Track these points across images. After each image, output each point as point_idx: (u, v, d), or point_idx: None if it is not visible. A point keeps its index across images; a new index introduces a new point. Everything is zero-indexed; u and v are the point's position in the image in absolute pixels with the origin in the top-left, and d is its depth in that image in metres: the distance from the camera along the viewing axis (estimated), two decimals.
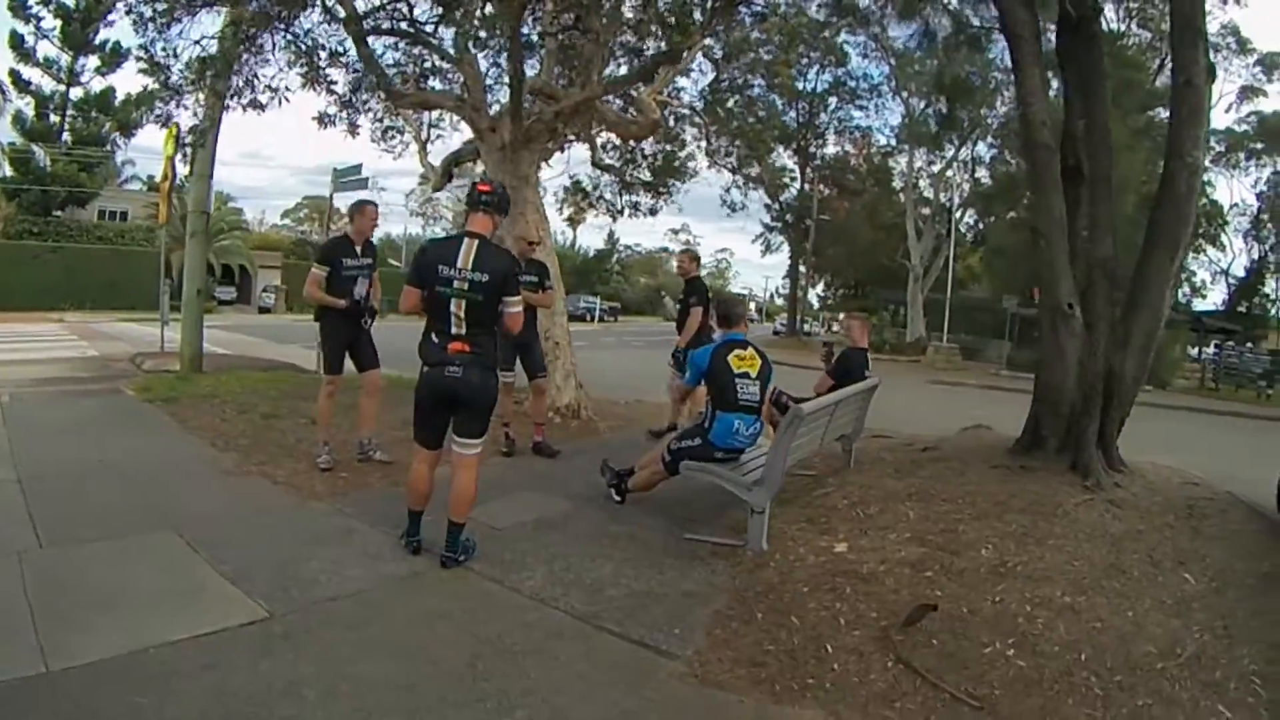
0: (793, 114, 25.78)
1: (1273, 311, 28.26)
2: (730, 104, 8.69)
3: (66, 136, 24.71)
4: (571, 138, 7.51)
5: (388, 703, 2.11)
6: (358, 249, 4.41)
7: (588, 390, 6.78)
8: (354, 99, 7.58)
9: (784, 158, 26.88)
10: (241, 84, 6.73)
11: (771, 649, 2.61)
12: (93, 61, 24.49)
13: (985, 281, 26.50)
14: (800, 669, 2.49)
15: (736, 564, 3.40)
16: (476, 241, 2.98)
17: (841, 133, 27.17)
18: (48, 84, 24.18)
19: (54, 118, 24.57)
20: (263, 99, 6.77)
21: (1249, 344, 23.97)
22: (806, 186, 28.45)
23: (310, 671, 2.22)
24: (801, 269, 31.07)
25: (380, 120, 8.45)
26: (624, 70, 7.12)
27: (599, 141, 8.74)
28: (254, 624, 2.47)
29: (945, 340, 21.93)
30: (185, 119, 7.06)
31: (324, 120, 7.63)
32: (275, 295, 24.87)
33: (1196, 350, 22.88)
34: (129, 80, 39.86)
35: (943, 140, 22.83)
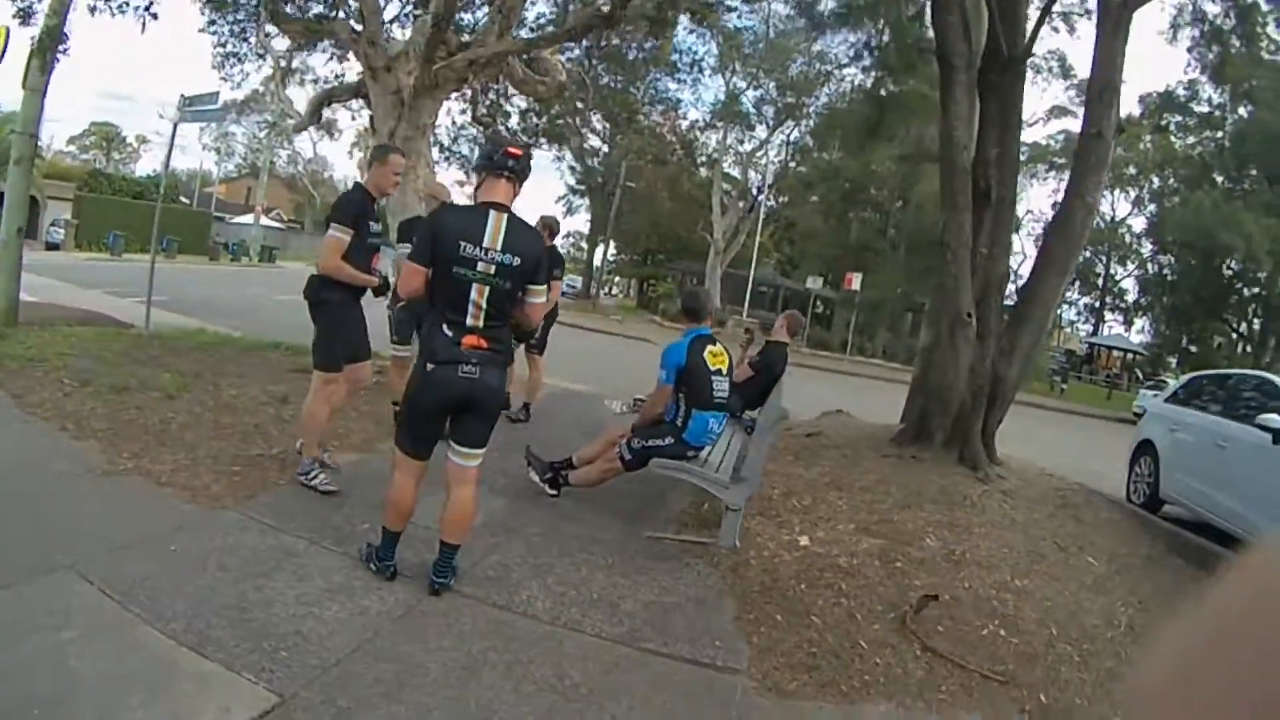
0: (608, 80, 26.07)
1: (1059, 311, 36.35)
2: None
3: None
4: (468, 90, 6.82)
5: None
6: (373, 205, 3.70)
7: None
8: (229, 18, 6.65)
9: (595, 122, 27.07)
10: None
11: (815, 651, 2.80)
12: None
13: (774, 260, 29.64)
14: (850, 668, 2.73)
15: (716, 563, 3.56)
16: (505, 216, 2.60)
17: (654, 103, 28.16)
18: None
19: None
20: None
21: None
22: (615, 152, 29.08)
23: None
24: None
25: (224, 45, 7.47)
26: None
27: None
28: (269, 716, 1.90)
29: (746, 315, 23.51)
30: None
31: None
32: (65, 230, 22.31)
33: None
34: None
35: (754, 121, 24.90)
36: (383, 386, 5.67)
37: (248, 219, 36.10)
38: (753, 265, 25.26)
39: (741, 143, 26.54)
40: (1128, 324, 34.50)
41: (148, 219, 26.12)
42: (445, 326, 2.56)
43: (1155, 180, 27.64)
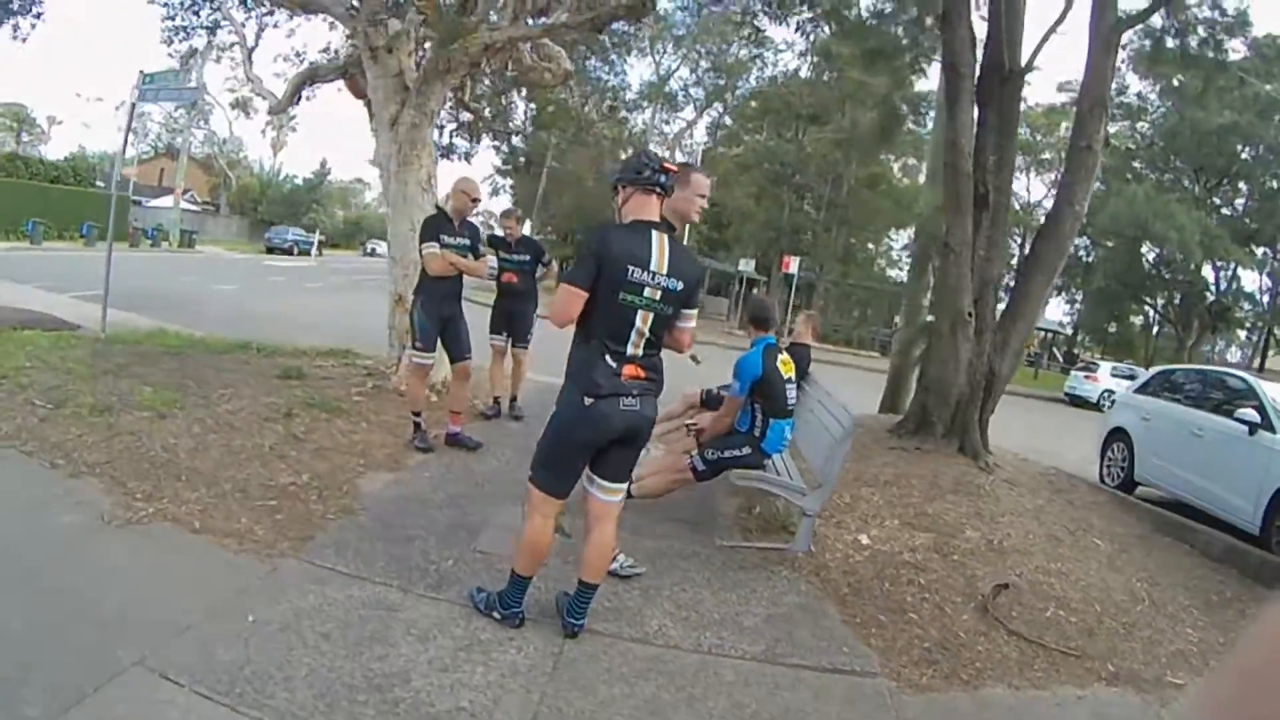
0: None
1: None
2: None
3: None
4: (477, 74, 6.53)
5: None
6: (455, 224, 4.62)
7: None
8: None
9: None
10: None
11: (927, 646, 3.16)
12: None
13: (693, 241, 30.45)
14: (959, 658, 3.10)
15: (797, 568, 3.83)
16: (665, 237, 2.59)
17: (581, 83, 27.93)
18: None
19: None
20: None
21: None
22: (542, 133, 28.62)
23: None
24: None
25: (172, 18, 7.20)
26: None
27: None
28: None
29: None
30: None
31: None
32: None
33: None
34: None
35: (681, 103, 25.31)
36: (392, 395, 5.44)
37: (165, 202, 35.00)
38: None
39: (667, 123, 26.88)
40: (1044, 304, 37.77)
41: (65, 205, 22.64)
42: (608, 356, 2.51)
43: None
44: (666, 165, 2.66)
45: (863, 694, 2.75)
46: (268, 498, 3.49)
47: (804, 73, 23.80)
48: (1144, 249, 23.83)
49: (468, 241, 4.68)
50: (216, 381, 5.15)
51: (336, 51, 7.96)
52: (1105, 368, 18.26)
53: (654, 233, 2.56)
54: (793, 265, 23.27)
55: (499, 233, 5.73)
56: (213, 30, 7.73)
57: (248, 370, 5.71)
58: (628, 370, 2.54)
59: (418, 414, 4.72)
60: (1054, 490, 5.45)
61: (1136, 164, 25.63)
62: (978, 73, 5.55)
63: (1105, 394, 17.02)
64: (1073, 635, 3.37)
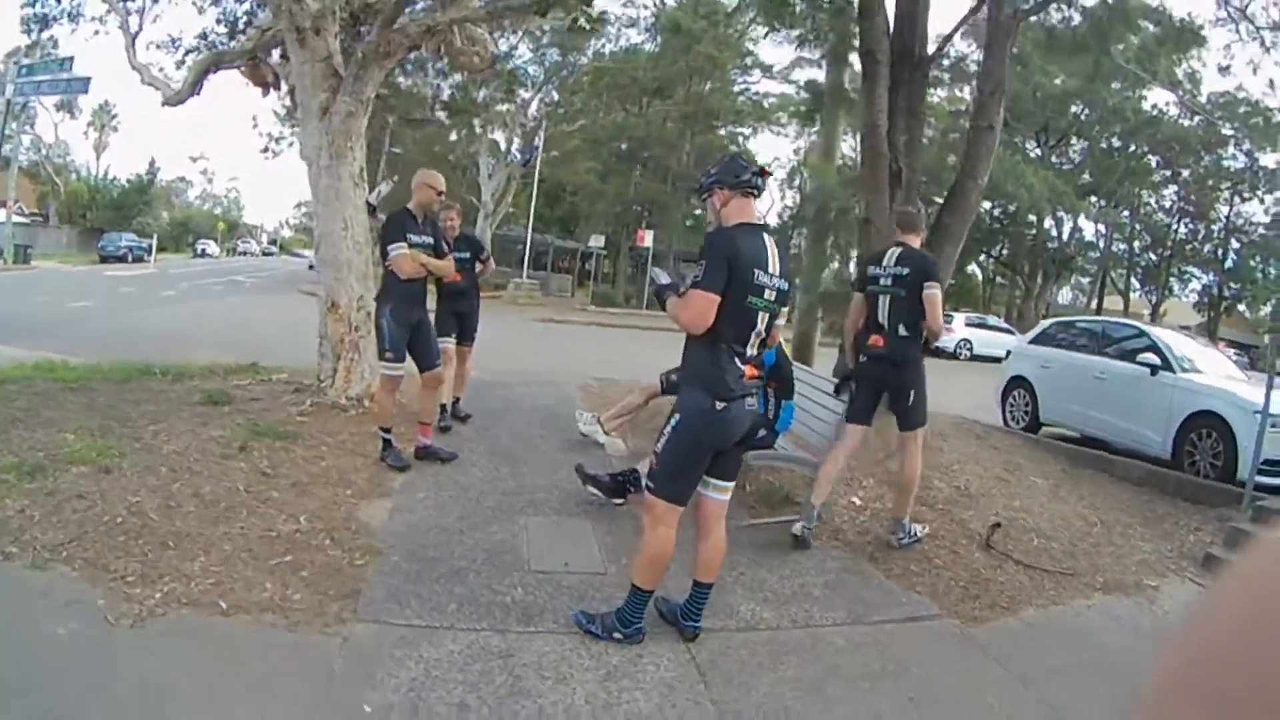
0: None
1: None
2: None
3: None
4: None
5: None
6: (419, 221, 4.37)
7: None
8: None
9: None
10: None
11: (963, 586, 3.69)
12: None
13: (524, 219, 30.54)
14: (990, 590, 3.64)
15: (816, 535, 4.09)
16: (773, 239, 2.71)
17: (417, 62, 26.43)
18: None
19: None
20: None
21: None
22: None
23: None
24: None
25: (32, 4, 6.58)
26: None
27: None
28: None
29: (526, 276, 25.08)
30: None
31: None
32: None
33: None
34: None
35: (522, 80, 24.80)
36: (335, 411, 4.93)
37: None
38: (529, 226, 25.77)
39: (503, 103, 26.23)
40: None
41: None
42: (736, 360, 2.59)
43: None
44: (766, 170, 2.75)
45: (941, 634, 3.17)
46: (279, 553, 3.10)
47: (648, 47, 24.42)
48: (987, 205, 26.66)
49: (432, 240, 4.44)
50: (140, 417, 4.48)
51: (246, 28, 6.84)
52: (959, 318, 19.78)
53: (765, 235, 2.68)
54: (647, 239, 23.92)
55: None
56: (74, 18, 6.43)
57: (166, 399, 4.96)
58: (749, 370, 2.66)
59: (388, 430, 4.45)
60: (977, 438, 6.32)
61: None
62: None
63: (962, 343, 18.86)
64: (1061, 558, 4.06)
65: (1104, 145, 28.85)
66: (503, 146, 26.44)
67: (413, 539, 3.45)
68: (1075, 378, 6.81)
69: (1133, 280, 33.73)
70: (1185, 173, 29.14)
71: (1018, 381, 7.37)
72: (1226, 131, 26.05)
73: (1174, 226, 32.02)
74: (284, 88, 5.76)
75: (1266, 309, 34.25)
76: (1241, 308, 34.37)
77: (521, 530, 3.72)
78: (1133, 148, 28.38)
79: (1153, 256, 32.35)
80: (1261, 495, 4.78)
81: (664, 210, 26.75)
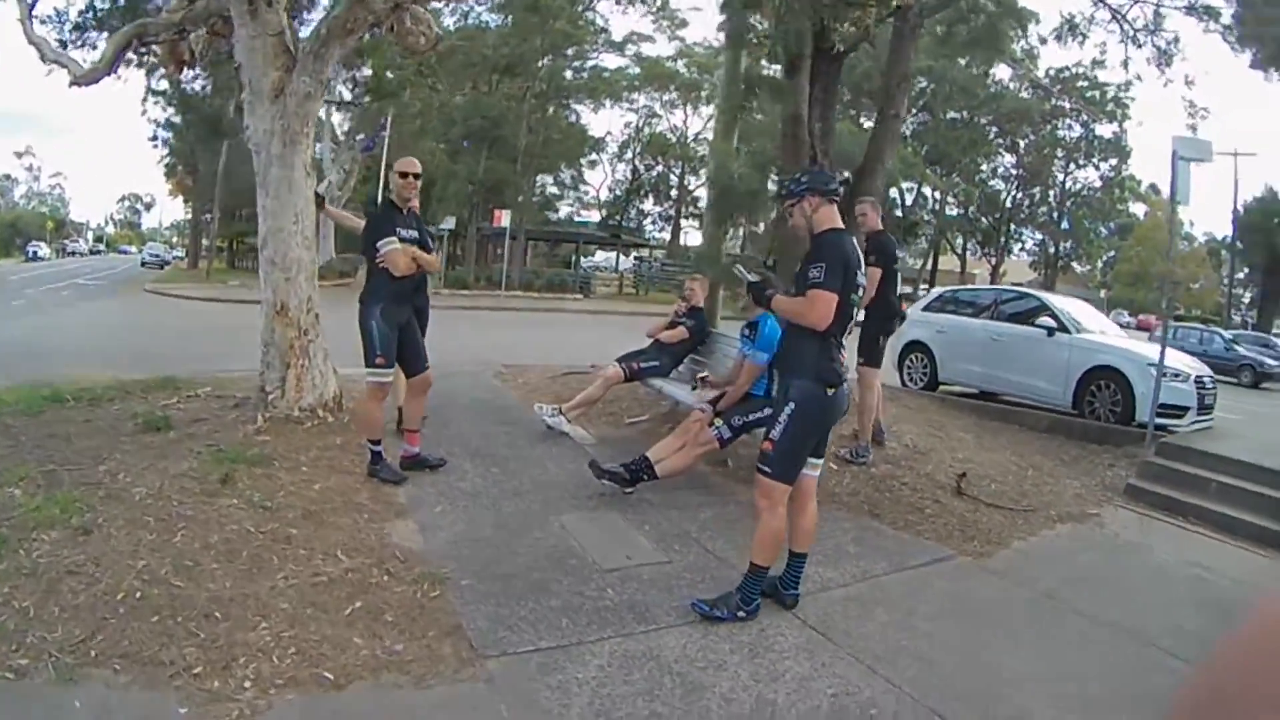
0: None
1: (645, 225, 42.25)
2: None
3: None
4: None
5: None
6: (404, 213, 4.15)
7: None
8: None
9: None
10: None
11: (957, 528, 4.32)
12: None
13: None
14: (977, 529, 4.34)
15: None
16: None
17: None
18: None
19: None
20: None
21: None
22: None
23: None
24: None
25: None
26: None
27: None
28: None
29: None
30: None
31: None
32: None
33: (615, 261, 31.09)
34: None
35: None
36: (294, 425, 4.47)
37: None
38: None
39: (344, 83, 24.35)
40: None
41: None
42: (840, 349, 2.95)
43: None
44: (843, 179, 3.02)
45: (966, 570, 3.78)
46: (344, 599, 2.83)
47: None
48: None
49: (417, 233, 4.19)
50: (81, 455, 3.86)
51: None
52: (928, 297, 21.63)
53: (852, 238, 3.02)
54: (504, 219, 23.33)
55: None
56: None
57: (98, 430, 4.24)
58: (842, 357, 2.98)
59: (377, 442, 4.19)
60: (891, 399, 7.14)
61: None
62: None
63: None
64: (1017, 499, 4.88)
65: (948, 118, 32.60)
66: (342, 132, 24.83)
67: (466, 558, 3.34)
68: (972, 341, 7.89)
69: (971, 243, 38.57)
70: (1023, 143, 33.87)
71: (914, 345, 8.39)
72: (1063, 105, 30.36)
73: (1012, 193, 37.29)
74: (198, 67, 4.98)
75: (1099, 265, 40.99)
76: (1076, 266, 40.85)
77: (562, 531, 3.74)
78: (977, 120, 32.43)
79: (990, 220, 37.17)
80: (1161, 432, 5.99)
81: (514, 189, 26.21)
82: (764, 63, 8.62)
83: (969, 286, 11.78)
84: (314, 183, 4.72)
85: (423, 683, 2.40)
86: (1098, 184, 36.11)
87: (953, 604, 3.33)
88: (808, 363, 2.89)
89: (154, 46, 5.00)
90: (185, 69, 5.31)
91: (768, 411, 4.35)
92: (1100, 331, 7.43)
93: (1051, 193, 36.94)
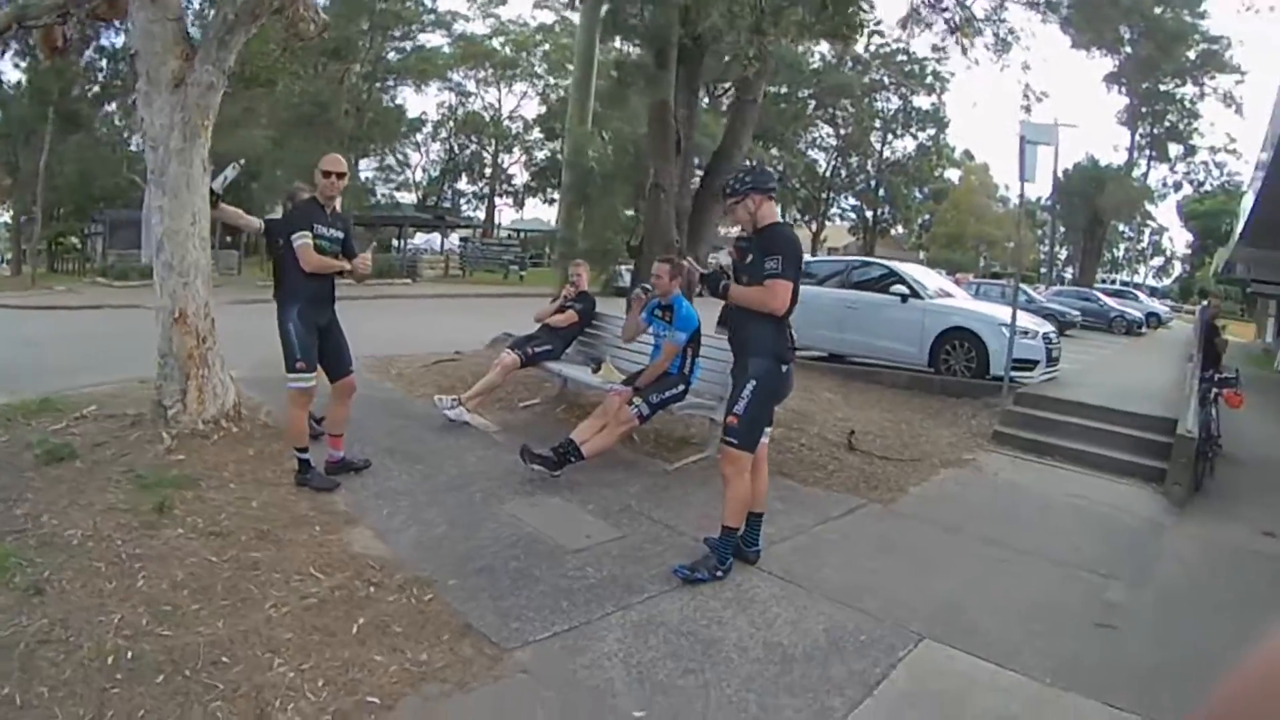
0: None
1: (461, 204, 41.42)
2: None
3: None
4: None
5: None
6: (327, 212, 4.06)
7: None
8: None
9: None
10: None
11: (859, 480, 5.02)
12: None
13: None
14: (876, 479, 5.10)
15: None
16: None
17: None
18: None
19: None
20: None
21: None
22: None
23: None
24: None
25: None
26: None
27: None
28: None
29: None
30: None
31: None
32: None
33: (441, 243, 30.56)
34: None
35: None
36: (204, 440, 4.19)
37: None
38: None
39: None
40: (519, 206, 43.78)
41: None
42: (790, 330, 3.36)
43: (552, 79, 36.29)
44: (781, 176, 3.43)
45: (878, 516, 4.47)
46: (347, 619, 2.76)
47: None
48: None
49: (342, 234, 4.09)
50: (8, 501, 3.40)
51: None
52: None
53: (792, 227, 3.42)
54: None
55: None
56: None
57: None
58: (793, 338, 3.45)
59: (304, 450, 4.06)
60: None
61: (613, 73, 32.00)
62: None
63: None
64: (901, 450, 5.73)
65: (771, 92, 34.82)
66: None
67: (438, 558, 3.38)
68: (825, 309, 8.64)
69: (793, 211, 41.39)
70: (842, 116, 36.50)
71: None
72: (883, 80, 32.80)
73: (832, 163, 40.31)
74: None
75: (916, 229, 44.55)
76: (893, 230, 44.50)
77: (514, 519, 3.85)
78: (798, 94, 34.35)
79: (810, 190, 39.91)
80: (1016, 383, 7.12)
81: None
82: (622, 48, 8.89)
83: (820, 258, 12.94)
84: (209, 179, 4.33)
85: (465, 686, 2.48)
86: (914, 152, 40.46)
87: (883, 544, 3.96)
88: (766, 343, 3.27)
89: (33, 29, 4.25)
90: (59, 55, 4.55)
91: (681, 389, 4.77)
92: (949, 295, 8.58)
93: (869, 162, 40.90)
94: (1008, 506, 4.86)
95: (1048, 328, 8.33)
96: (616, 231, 8.86)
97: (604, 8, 6.93)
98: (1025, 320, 7.91)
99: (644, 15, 6.84)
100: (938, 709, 2.57)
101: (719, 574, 3.31)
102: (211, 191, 4.38)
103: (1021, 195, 9.40)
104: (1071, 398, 6.88)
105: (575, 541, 3.62)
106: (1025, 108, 10.55)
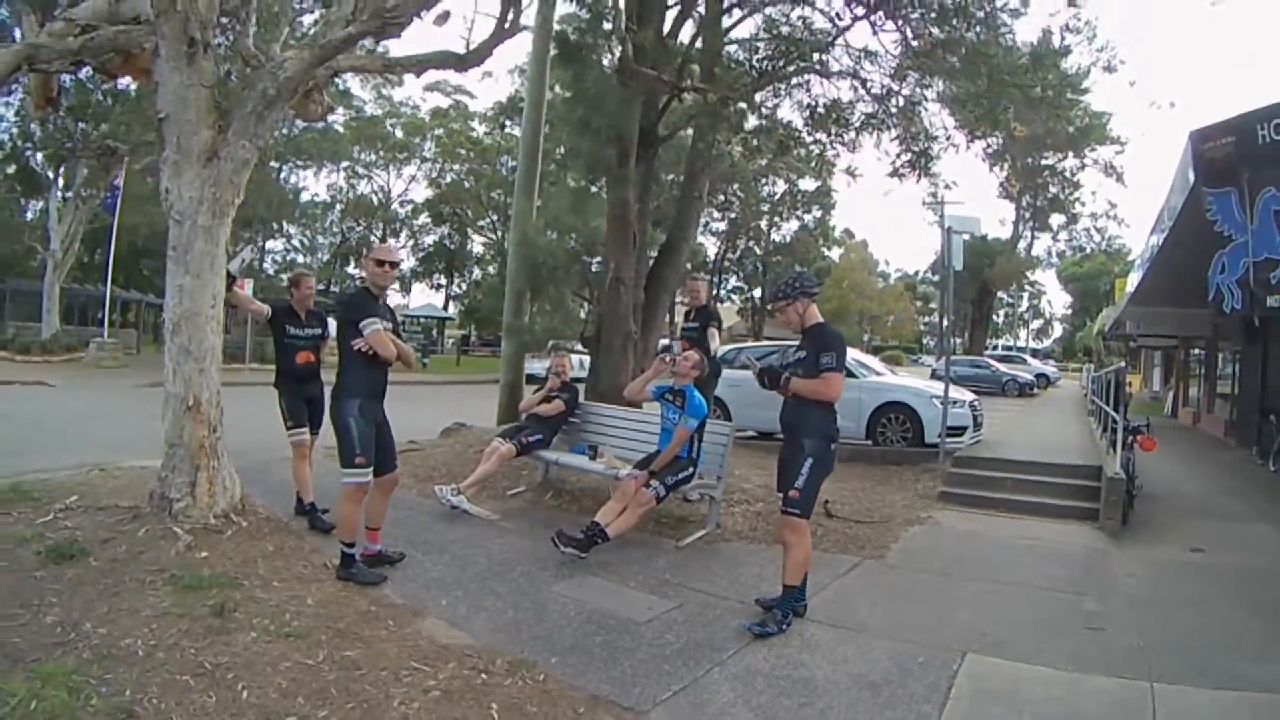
0: None
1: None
2: None
3: None
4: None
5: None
6: (378, 301, 4.24)
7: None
8: None
9: None
10: None
11: (847, 541, 5.72)
12: None
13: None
14: (863, 540, 5.79)
15: (727, 538, 5.63)
16: None
17: None
18: None
19: None
20: None
21: None
22: None
23: None
24: None
25: None
26: None
27: None
28: None
29: (107, 335, 23.17)
30: None
31: None
32: None
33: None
34: None
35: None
36: (224, 533, 4.08)
37: None
38: (108, 277, 23.68)
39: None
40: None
41: None
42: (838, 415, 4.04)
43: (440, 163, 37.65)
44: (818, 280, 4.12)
45: (877, 569, 5.14)
46: (480, 710, 2.84)
47: None
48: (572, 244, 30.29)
49: (392, 324, 4.27)
50: (5, 606, 3.21)
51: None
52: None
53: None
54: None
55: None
56: None
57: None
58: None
59: (352, 545, 4.17)
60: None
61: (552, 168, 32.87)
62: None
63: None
64: (869, 514, 6.48)
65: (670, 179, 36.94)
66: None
67: (523, 641, 3.55)
68: (750, 392, 9.00)
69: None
70: (736, 202, 38.59)
71: (714, 400, 9.79)
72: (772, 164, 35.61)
73: (720, 247, 42.57)
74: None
75: None
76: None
77: (571, 600, 4.12)
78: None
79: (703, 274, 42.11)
80: (951, 449, 8.08)
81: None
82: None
83: (753, 344, 13.85)
84: (225, 260, 4.28)
85: None
86: (799, 232, 43.60)
87: (895, 591, 4.63)
88: (821, 426, 3.94)
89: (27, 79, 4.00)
90: (50, 108, 4.30)
91: (691, 470, 5.23)
92: (880, 374, 9.70)
93: (755, 245, 43.91)
94: (977, 551, 5.70)
95: (971, 396, 9.63)
96: (565, 322, 9.15)
97: (577, 112, 7.47)
98: (954, 391, 9.07)
99: (611, 116, 7.40)
100: (1003, 700, 3.19)
101: (785, 626, 3.82)
102: (228, 274, 4.38)
103: (945, 279, 10.24)
104: (1002, 455, 8.07)
105: (640, 614, 3.97)
106: (933, 193, 11.97)
